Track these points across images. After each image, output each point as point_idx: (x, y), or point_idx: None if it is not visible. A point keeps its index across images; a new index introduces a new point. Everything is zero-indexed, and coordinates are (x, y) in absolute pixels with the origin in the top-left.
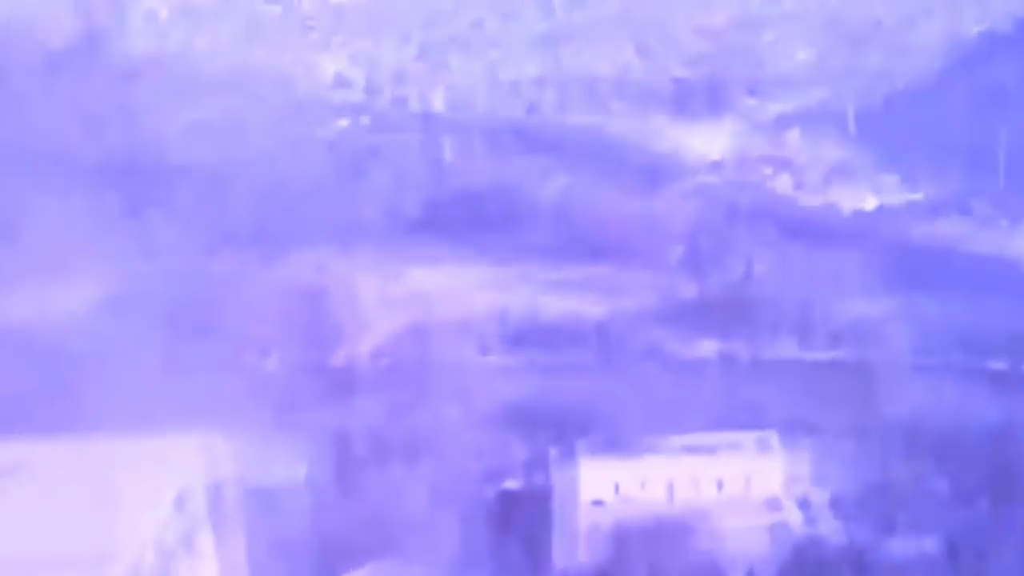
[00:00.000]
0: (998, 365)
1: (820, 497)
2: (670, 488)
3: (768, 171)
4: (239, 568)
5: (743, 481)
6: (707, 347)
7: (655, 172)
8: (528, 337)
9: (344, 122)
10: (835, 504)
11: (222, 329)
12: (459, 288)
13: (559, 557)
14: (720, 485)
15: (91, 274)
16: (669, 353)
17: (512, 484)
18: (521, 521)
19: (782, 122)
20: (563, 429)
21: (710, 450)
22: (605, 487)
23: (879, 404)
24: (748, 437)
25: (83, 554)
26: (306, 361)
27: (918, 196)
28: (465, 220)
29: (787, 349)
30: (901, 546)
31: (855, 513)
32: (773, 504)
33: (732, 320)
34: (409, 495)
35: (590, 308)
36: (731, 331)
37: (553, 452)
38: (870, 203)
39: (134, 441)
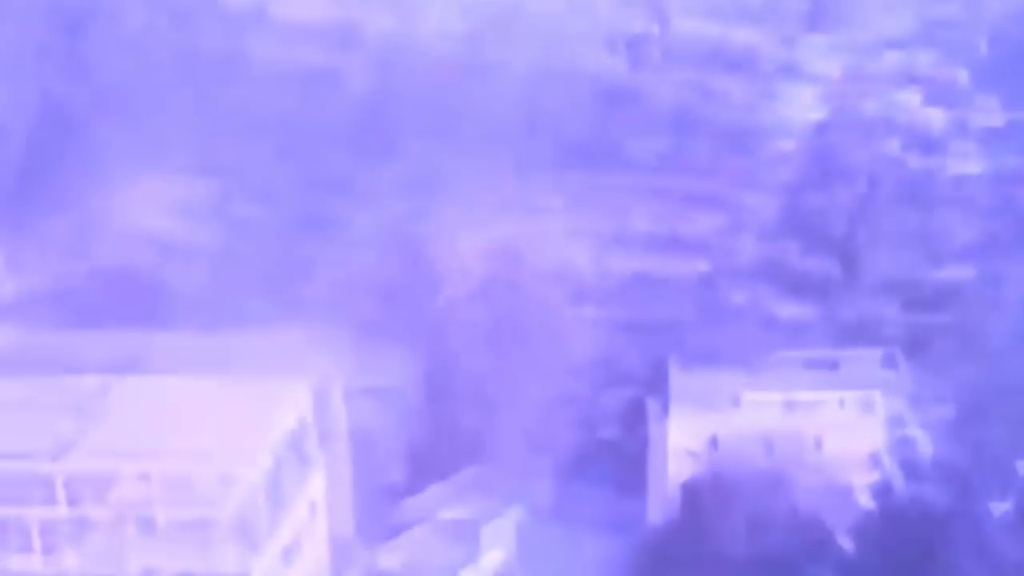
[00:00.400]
0: None
1: (920, 457)
2: (768, 442)
3: (875, 131)
4: (343, 471)
5: (844, 437)
6: (807, 307)
7: (758, 130)
8: (624, 290)
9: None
10: (936, 466)
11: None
12: (556, 237)
13: (653, 510)
14: (819, 441)
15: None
16: (769, 312)
17: (606, 434)
18: (614, 472)
19: (893, 80)
20: (659, 381)
21: (810, 405)
22: (702, 439)
23: (983, 369)
24: (850, 395)
25: (200, 448)
26: (402, 305)
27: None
28: (565, 169)
29: (890, 311)
30: (1000, 510)
31: (954, 476)
32: (874, 462)
33: (834, 281)
34: (503, 440)
35: (689, 263)
36: (832, 292)
37: (650, 403)
38: (978, 166)
39: (247, 338)
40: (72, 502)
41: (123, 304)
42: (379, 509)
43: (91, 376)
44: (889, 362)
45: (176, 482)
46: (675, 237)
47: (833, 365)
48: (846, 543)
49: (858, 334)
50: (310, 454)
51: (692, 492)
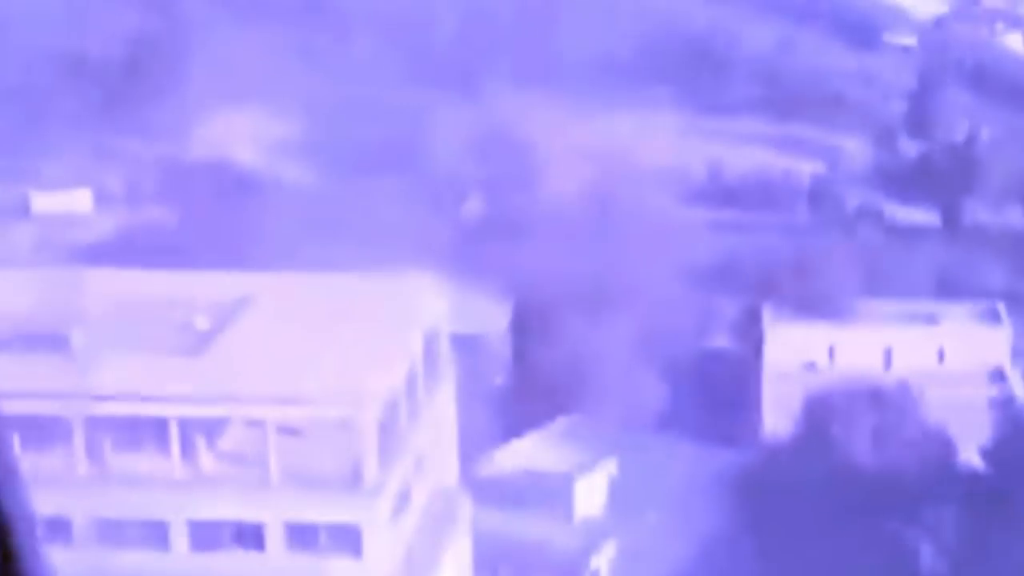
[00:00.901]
0: None
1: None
2: (888, 355)
3: (998, 26)
4: (448, 414)
5: (966, 351)
6: (927, 212)
7: (874, 25)
8: (737, 192)
9: None
10: None
11: (419, 168)
12: (666, 136)
13: (770, 422)
14: (941, 355)
15: (289, 107)
16: (887, 216)
17: (720, 342)
18: (728, 382)
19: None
20: (774, 289)
21: (930, 318)
22: (819, 351)
23: None
24: (972, 307)
25: (318, 391)
26: (505, 205)
27: None
28: (672, 67)
29: (1012, 217)
30: None
31: None
32: (998, 376)
33: (954, 185)
34: (610, 349)
35: (804, 165)
36: (953, 196)
37: (766, 311)
38: None
39: (352, 279)
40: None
41: (216, 243)
42: (473, 460)
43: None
44: (991, 316)
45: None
46: (788, 137)
47: (931, 318)
48: (974, 458)
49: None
50: (420, 398)
51: (814, 404)
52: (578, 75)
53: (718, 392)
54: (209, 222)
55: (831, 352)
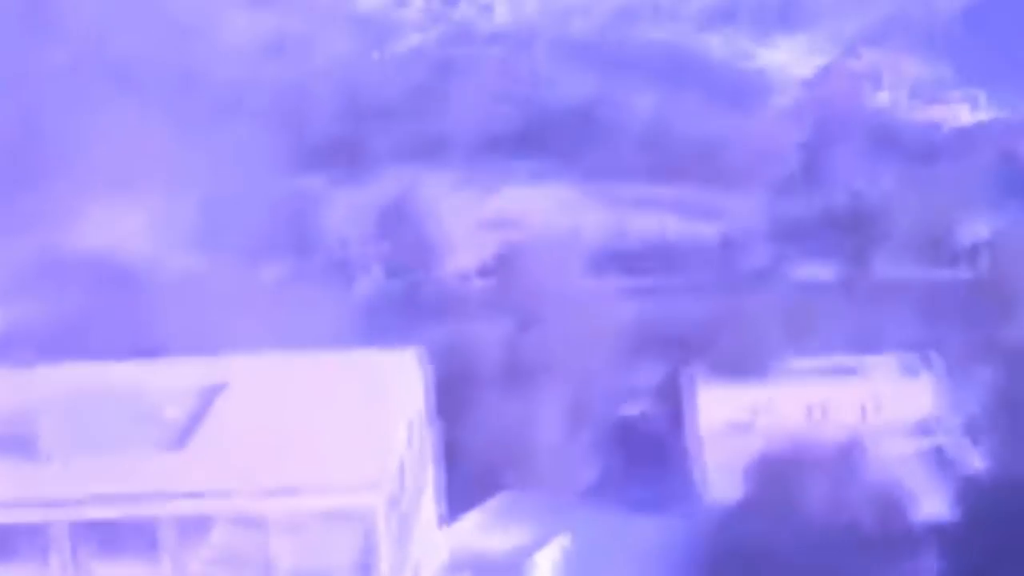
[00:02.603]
0: None
1: (954, 421)
2: (817, 411)
3: (864, 87)
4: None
5: (894, 404)
6: (830, 267)
7: (755, 87)
8: (639, 257)
9: (415, 37)
10: (970, 429)
11: (313, 249)
12: (562, 206)
13: (713, 485)
14: (864, 410)
15: (168, 195)
16: (788, 274)
17: (644, 409)
18: (658, 449)
19: (866, 37)
20: (689, 352)
21: (850, 372)
22: (747, 410)
23: (1005, 323)
24: (897, 358)
25: (321, 480)
26: (406, 281)
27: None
28: (553, 138)
29: (906, 269)
30: None
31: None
32: (924, 428)
33: (856, 239)
34: (535, 423)
35: (702, 227)
36: (856, 250)
37: (686, 375)
38: (968, 117)
39: (328, 358)
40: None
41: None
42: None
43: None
44: (915, 367)
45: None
46: (682, 200)
47: (857, 372)
48: (932, 511)
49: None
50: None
51: (761, 464)
52: (464, 151)
53: (650, 460)
54: (97, 314)
55: (758, 411)
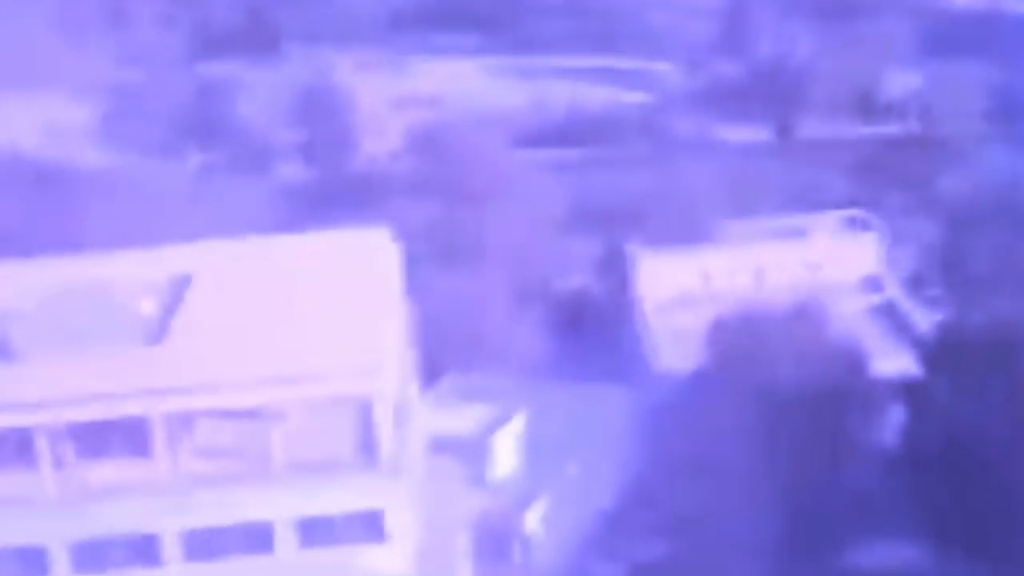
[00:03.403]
0: None
1: (897, 277)
2: (761, 273)
3: None
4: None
5: (838, 262)
6: (757, 130)
7: None
8: (564, 129)
9: None
10: (912, 283)
11: (229, 136)
12: (483, 79)
13: (663, 355)
14: (814, 268)
15: (74, 91)
16: (720, 139)
17: (586, 282)
18: (603, 322)
19: None
20: (628, 223)
21: (798, 232)
22: (692, 277)
23: (938, 176)
24: (837, 217)
25: (318, 366)
26: (327, 166)
27: None
28: (468, 11)
29: (835, 128)
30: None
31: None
32: (873, 284)
33: (778, 100)
34: (478, 302)
35: (627, 96)
36: (781, 112)
37: (629, 246)
38: None
39: (294, 242)
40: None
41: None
42: None
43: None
44: (856, 224)
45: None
46: (604, 69)
47: (798, 233)
48: (890, 367)
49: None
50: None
51: (718, 330)
52: (375, 28)
53: (597, 333)
54: (17, 213)
55: (705, 277)
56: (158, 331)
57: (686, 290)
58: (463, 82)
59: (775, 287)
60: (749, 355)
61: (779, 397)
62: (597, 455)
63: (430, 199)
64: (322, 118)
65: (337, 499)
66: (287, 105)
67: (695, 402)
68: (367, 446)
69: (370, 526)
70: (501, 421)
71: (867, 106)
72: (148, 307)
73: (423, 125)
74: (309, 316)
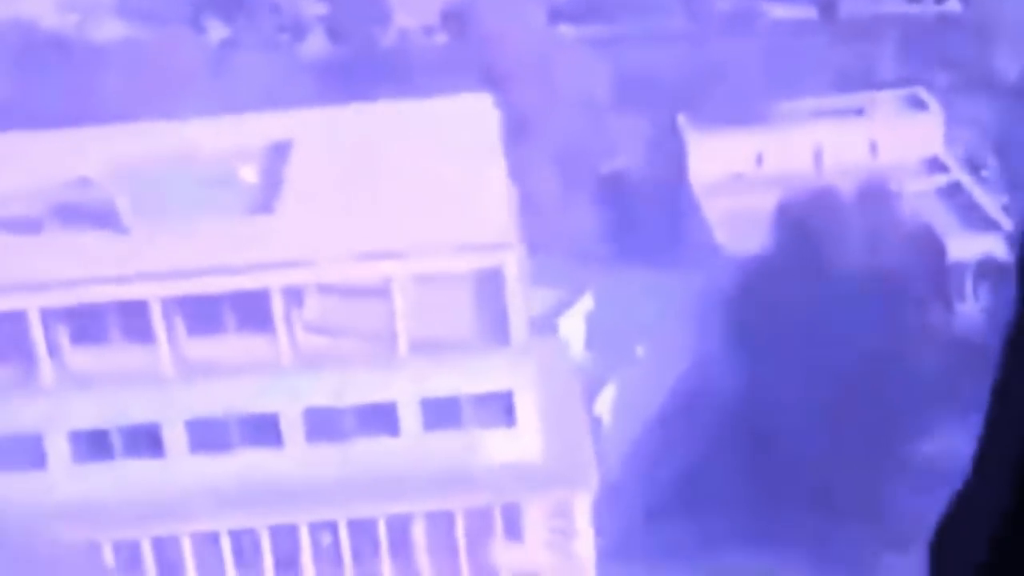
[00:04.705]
0: None
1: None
2: (818, 155)
3: None
4: None
5: (899, 142)
6: (800, 7)
7: None
8: (599, 4)
9: None
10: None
11: (251, 8)
12: None
13: (722, 237)
14: (874, 148)
15: None
16: (762, 15)
17: (634, 163)
18: (657, 203)
19: None
20: (674, 102)
21: (853, 112)
22: (745, 159)
23: (987, 58)
24: (895, 95)
25: (446, 238)
26: (355, 41)
27: None
28: None
29: (885, 4)
30: None
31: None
32: (936, 165)
33: None
34: (530, 182)
35: None
36: None
37: (682, 123)
38: None
39: (392, 108)
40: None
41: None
42: None
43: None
44: (916, 103)
45: None
46: None
47: (857, 112)
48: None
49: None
50: None
51: (784, 212)
52: None
53: (649, 216)
54: (39, 85)
55: (759, 159)
56: (264, 200)
57: (740, 171)
58: None
59: (834, 168)
60: (818, 237)
61: (851, 280)
62: (663, 339)
63: (465, 76)
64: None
65: (464, 380)
66: None
67: (761, 285)
68: (491, 323)
69: (499, 408)
70: (566, 305)
71: None
72: (249, 175)
73: (454, 3)
74: (423, 185)
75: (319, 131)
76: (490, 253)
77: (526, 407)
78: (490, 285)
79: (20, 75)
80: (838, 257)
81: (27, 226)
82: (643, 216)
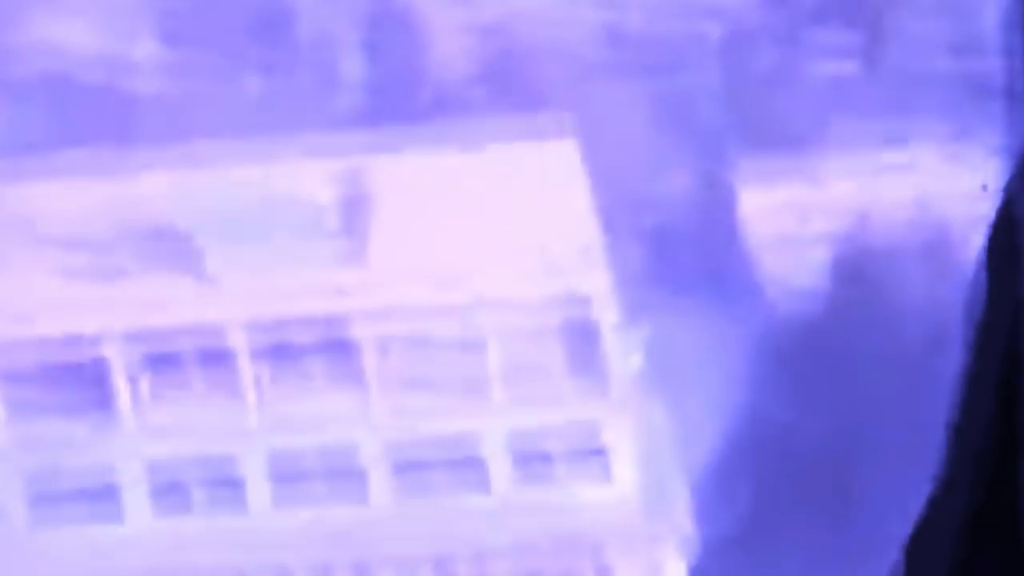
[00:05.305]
0: None
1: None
2: (867, 208)
3: None
4: None
5: (950, 189)
6: (838, 64)
7: None
8: (639, 58)
9: None
10: None
11: (291, 61)
12: (543, 8)
13: (771, 277)
14: (925, 202)
15: (127, 8)
16: (802, 71)
17: (677, 213)
18: (703, 238)
19: None
20: (721, 151)
21: (902, 167)
22: (794, 210)
23: None
24: (942, 149)
25: (535, 286)
26: (394, 92)
27: None
28: None
29: (931, 58)
30: None
31: None
32: (989, 211)
33: (863, 31)
34: None
35: (702, 25)
36: (864, 42)
37: (728, 170)
38: None
39: (478, 155)
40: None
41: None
42: None
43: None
44: (964, 154)
45: None
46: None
47: (908, 162)
48: None
49: (900, 84)
50: None
51: (841, 264)
52: None
53: (698, 263)
54: (61, 138)
55: (807, 210)
56: (350, 249)
57: (789, 221)
58: (527, 7)
59: (885, 221)
60: (877, 289)
61: (913, 331)
62: (717, 387)
63: (505, 129)
64: (388, 43)
65: (557, 434)
66: (351, 29)
67: (818, 335)
68: (585, 375)
69: (594, 464)
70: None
71: (960, 36)
72: (332, 222)
73: (497, 51)
74: (511, 233)
75: (400, 178)
76: (586, 303)
77: (623, 463)
78: (584, 335)
79: (56, 126)
80: (899, 308)
81: (109, 272)
82: (690, 264)
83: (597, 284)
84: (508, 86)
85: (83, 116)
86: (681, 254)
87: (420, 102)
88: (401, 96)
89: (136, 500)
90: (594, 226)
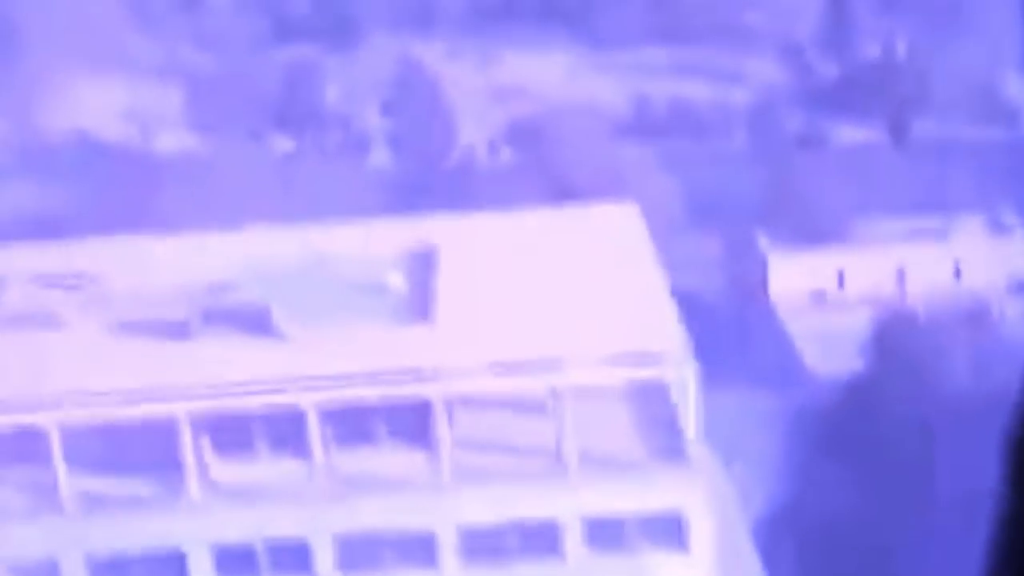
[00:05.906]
0: None
1: None
2: (901, 277)
3: None
4: None
5: (982, 265)
6: (869, 129)
7: None
8: (667, 125)
9: None
10: None
11: (316, 123)
12: (567, 75)
13: (810, 357)
14: (958, 271)
15: (154, 72)
16: (828, 138)
17: (709, 282)
18: (737, 320)
19: None
20: (749, 221)
21: (935, 234)
22: (826, 279)
23: None
24: (972, 218)
25: (610, 349)
26: (418, 158)
27: None
28: (554, 3)
29: (954, 128)
30: None
31: None
32: (1020, 287)
33: (889, 98)
34: None
35: (730, 92)
36: (890, 110)
37: (760, 237)
38: None
39: (542, 216)
40: None
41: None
42: None
43: None
44: (999, 226)
45: None
46: (699, 65)
47: (940, 234)
48: None
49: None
50: None
51: (882, 333)
52: (453, 19)
53: (731, 332)
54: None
55: (841, 278)
56: (416, 308)
57: (822, 290)
58: (552, 74)
59: (919, 290)
60: (915, 360)
61: (952, 404)
62: (756, 459)
63: (534, 192)
64: (413, 106)
65: (633, 499)
66: (376, 92)
67: (857, 406)
68: (660, 438)
69: (670, 531)
70: None
71: (985, 106)
72: (397, 281)
73: (524, 116)
74: (579, 295)
75: (464, 238)
76: (662, 364)
77: (700, 530)
78: (657, 397)
79: (84, 185)
80: (937, 380)
81: (174, 331)
82: (723, 334)
83: (676, 346)
84: (534, 148)
85: (114, 180)
86: (712, 325)
87: (447, 162)
88: (426, 161)
89: (200, 563)
90: (663, 286)
